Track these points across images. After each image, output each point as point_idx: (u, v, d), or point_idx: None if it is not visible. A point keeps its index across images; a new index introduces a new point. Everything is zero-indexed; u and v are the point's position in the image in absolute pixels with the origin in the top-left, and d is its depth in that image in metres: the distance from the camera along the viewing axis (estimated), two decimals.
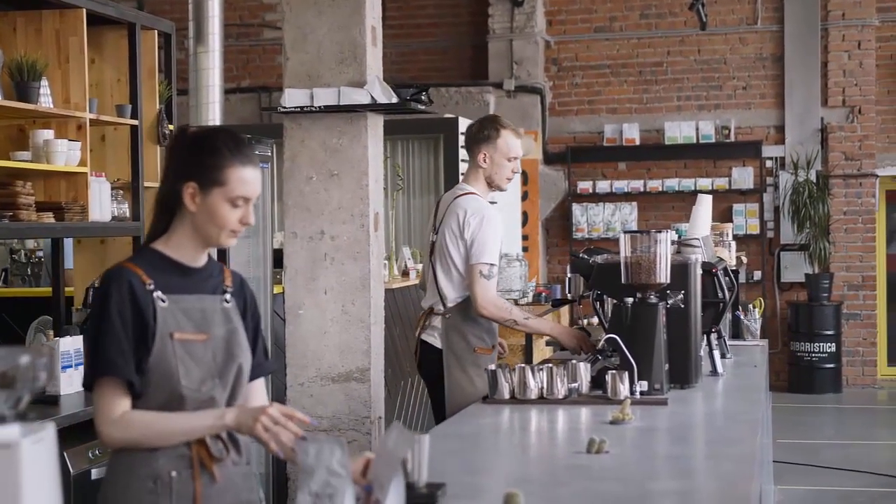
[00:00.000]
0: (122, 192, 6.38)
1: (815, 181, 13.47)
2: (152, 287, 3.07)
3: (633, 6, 14.15)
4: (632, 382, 4.54)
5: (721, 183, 13.73)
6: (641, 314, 4.71)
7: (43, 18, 5.98)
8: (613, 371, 4.56)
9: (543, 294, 10.93)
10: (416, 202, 11.62)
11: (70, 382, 5.30)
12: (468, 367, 5.40)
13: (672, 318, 4.82)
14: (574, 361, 4.74)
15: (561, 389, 4.55)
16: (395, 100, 5.80)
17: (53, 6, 5.93)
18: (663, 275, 4.73)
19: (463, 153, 11.07)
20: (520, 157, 5.55)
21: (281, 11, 6.02)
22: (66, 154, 5.82)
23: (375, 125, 5.98)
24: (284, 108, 5.85)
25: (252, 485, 3.23)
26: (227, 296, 3.22)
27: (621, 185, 13.99)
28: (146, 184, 6.49)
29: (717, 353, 5.45)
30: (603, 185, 14.02)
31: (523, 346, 9.16)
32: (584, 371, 4.67)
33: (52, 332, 5.74)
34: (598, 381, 4.66)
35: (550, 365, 4.63)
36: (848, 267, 13.71)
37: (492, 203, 5.70)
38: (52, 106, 5.83)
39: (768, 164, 13.87)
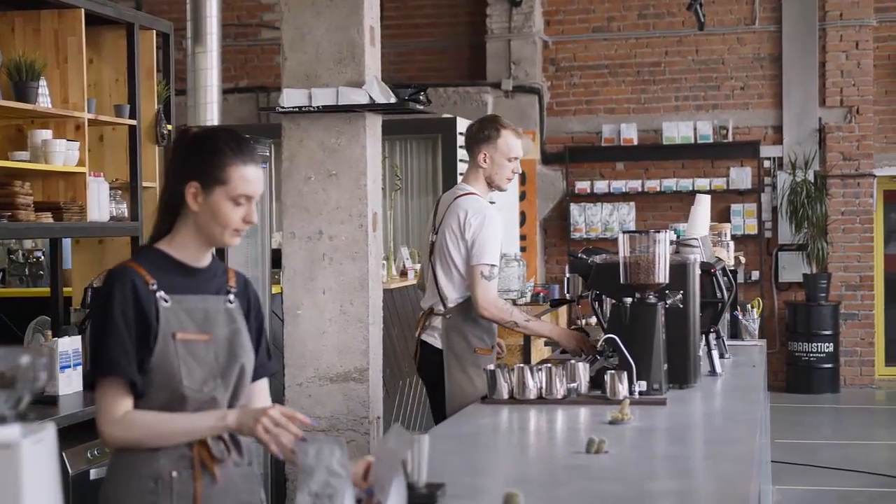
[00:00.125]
0: (120, 192, 6.37)
1: (812, 181, 13.48)
2: (155, 287, 3.08)
3: (630, 6, 14.15)
4: (630, 382, 4.55)
5: (719, 183, 13.73)
6: (640, 314, 4.71)
7: (41, 18, 5.97)
8: (612, 371, 4.56)
9: (541, 294, 10.93)
10: (414, 202, 11.62)
11: (68, 383, 5.30)
12: (468, 367, 5.40)
13: (671, 318, 4.82)
14: (573, 361, 4.74)
15: (560, 389, 4.55)
16: (393, 100, 5.80)
17: (52, 6, 5.93)
18: (662, 275, 4.73)
19: (461, 153, 11.07)
20: (520, 157, 5.54)
21: (279, 11, 6.02)
22: (64, 154, 5.82)
23: (374, 125, 5.98)
24: (283, 108, 5.85)
25: (253, 486, 3.23)
26: (231, 296, 3.22)
27: (619, 185, 13.99)
28: (144, 184, 6.49)
29: (715, 354, 5.45)
30: (601, 185, 14.02)
31: (521, 346, 9.17)
32: (583, 371, 4.67)
33: (50, 333, 5.73)
34: (596, 382, 4.66)
35: (549, 365, 4.63)
36: (846, 267, 13.72)
37: (490, 203, 5.69)
38: (50, 106, 5.83)
39: (766, 164, 13.87)
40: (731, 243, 7.80)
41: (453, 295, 5.45)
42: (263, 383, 3.35)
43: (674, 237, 5.39)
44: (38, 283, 8.69)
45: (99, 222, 6.08)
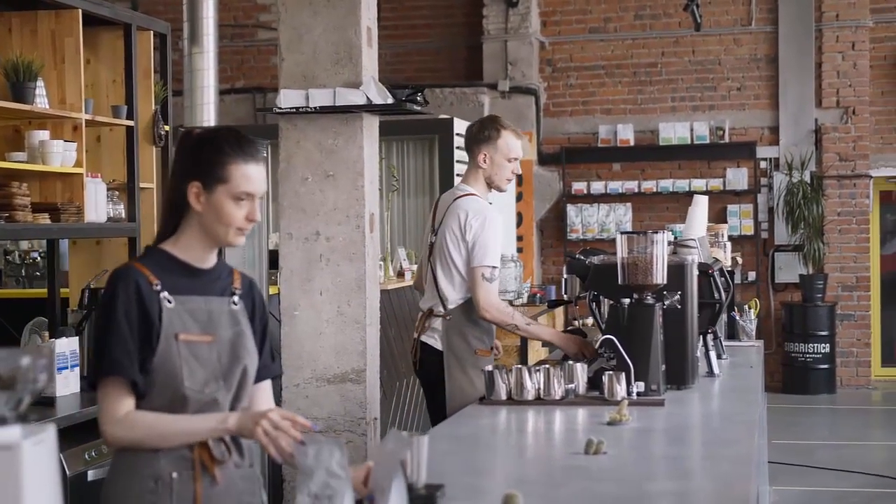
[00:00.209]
0: (117, 193, 6.37)
1: (809, 182, 13.49)
2: (159, 287, 3.08)
3: (627, 7, 14.16)
4: (628, 383, 4.54)
5: (715, 184, 13.74)
6: (638, 315, 4.71)
7: (39, 19, 5.97)
8: (610, 372, 4.56)
9: (538, 295, 10.93)
10: (411, 203, 11.61)
11: (66, 384, 5.29)
12: (469, 368, 5.38)
13: (668, 319, 4.82)
14: (570, 362, 4.74)
15: (558, 390, 4.55)
16: (390, 101, 5.80)
17: (49, 7, 5.93)
18: (660, 276, 4.73)
19: (458, 154, 11.07)
20: (520, 157, 5.53)
21: (275, 12, 6.03)
22: (61, 155, 5.81)
23: (371, 126, 5.98)
24: (280, 108, 5.84)
25: (254, 488, 3.23)
26: (236, 298, 3.22)
27: (616, 185, 13.99)
28: (142, 185, 6.49)
29: (713, 354, 5.45)
30: (597, 186, 14.02)
31: (518, 347, 9.16)
32: (581, 372, 4.67)
33: (47, 334, 5.73)
34: (594, 382, 4.66)
35: (547, 366, 4.63)
36: (842, 268, 13.73)
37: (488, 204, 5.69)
38: (47, 107, 5.82)
39: (762, 164, 13.88)
40: (729, 244, 7.82)
41: (453, 296, 5.44)
42: (267, 385, 3.35)
43: (671, 238, 5.38)
44: (35, 284, 8.69)
45: (96, 223, 6.08)
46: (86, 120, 6.03)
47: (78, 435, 4.83)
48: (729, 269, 6.69)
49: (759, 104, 13.94)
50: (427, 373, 5.54)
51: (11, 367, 1.96)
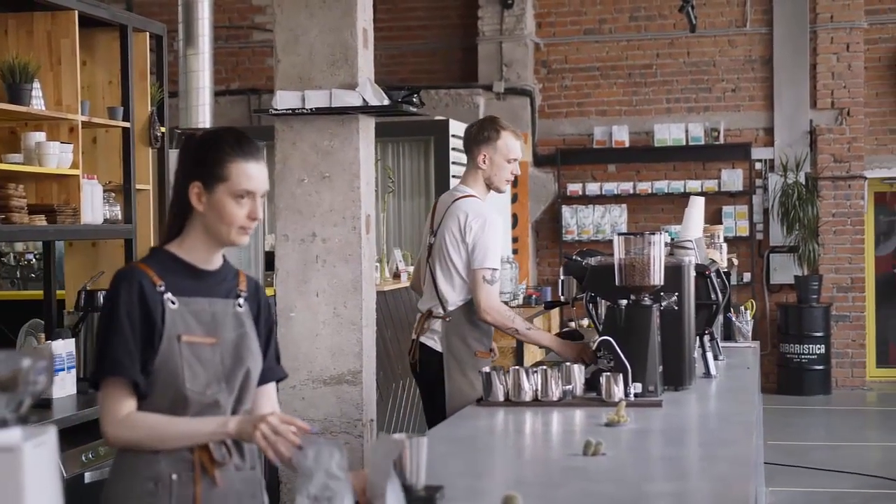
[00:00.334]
0: (113, 194, 6.36)
1: (804, 183, 13.50)
2: (163, 288, 3.08)
3: (622, 8, 14.16)
4: (626, 385, 4.54)
5: (710, 185, 13.75)
6: (635, 316, 4.71)
7: (35, 20, 5.96)
8: (608, 373, 4.56)
9: (534, 296, 10.93)
10: (406, 204, 11.61)
11: (62, 386, 5.28)
12: (468, 370, 5.37)
13: (666, 321, 4.82)
14: (568, 364, 4.73)
15: (555, 392, 4.54)
16: (386, 102, 5.80)
17: (45, 8, 5.92)
18: (657, 277, 4.73)
19: (454, 155, 11.07)
20: (519, 158, 5.52)
21: (270, 14, 6.01)
22: (58, 156, 5.80)
23: (367, 127, 5.98)
24: (276, 110, 5.84)
25: (255, 490, 3.22)
26: (241, 300, 3.22)
27: (611, 187, 14.00)
28: (138, 186, 6.48)
29: (710, 355, 5.45)
30: (592, 188, 14.03)
31: (514, 348, 9.16)
32: (579, 373, 4.66)
33: (43, 336, 5.72)
34: (592, 384, 4.65)
35: (545, 367, 4.63)
36: (837, 269, 13.74)
37: None
38: (43, 108, 5.82)
39: (757, 166, 13.89)
40: (724, 245, 7.81)
41: (453, 298, 5.43)
42: (271, 388, 3.35)
43: (668, 239, 5.38)
44: (30, 286, 8.68)
45: (92, 225, 6.07)
46: (82, 121, 6.02)
47: (75, 437, 4.82)
48: (725, 270, 6.69)
49: (754, 105, 13.95)
50: (426, 374, 5.52)
51: (12, 369, 1.95)
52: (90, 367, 5.55)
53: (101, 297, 5.69)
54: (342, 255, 5.85)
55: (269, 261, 6.72)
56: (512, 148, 5.47)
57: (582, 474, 3.44)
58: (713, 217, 13.29)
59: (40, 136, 5.81)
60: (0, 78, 5.66)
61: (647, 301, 4.74)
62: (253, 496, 3.21)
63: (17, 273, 8.91)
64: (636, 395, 4.56)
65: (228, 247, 3.19)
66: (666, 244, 5.01)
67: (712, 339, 5.65)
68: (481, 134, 5.50)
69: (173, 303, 3.08)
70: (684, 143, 13.89)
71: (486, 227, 5.37)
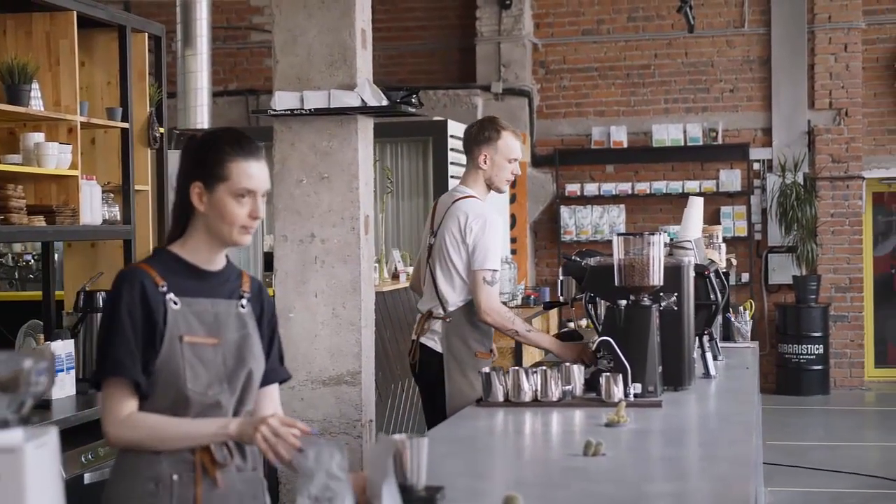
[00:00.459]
0: (112, 195, 6.36)
1: (802, 183, 13.50)
2: (165, 289, 3.08)
3: (620, 9, 14.16)
4: (626, 385, 4.54)
5: (709, 185, 13.76)
6: (635, 316, 4.71)
7: (33, 21, 5.96)
8: (607, 374, 4.56)
9: (532, 297, 10.93)
10: (405, 205, 11.61)
11: (61, 387, 5.27)
12: (469, 371, 5.35)
13: (665, 321, 4.82)
14: (568, 364, 4.73)
15: (555, 392, 4.54)
16: (385, 102, 5.80)
17: (44, 9, 5.91)
18: (657, 277, 4.73)
19: (452, 156, 11.07)
20: (519, 158, 5.51)
21: (269, 14, 6.02)
22: (56, 157, 5.80)
23: (365, 128, 5.98)
24: (274, 110, 5.84)
25: (257, 491, 3.22)
26: (244, 301, 3.22)
27: (609, 187, 14.00)
28: (137, 187, 6.47)
29: (709, 356, 5.45)
30: (591, 188, 14.03)
31: (513, 349, 9.16)
32: (578, 374, 4.66)
33: (42, 337, 5.72)
34: (591, 384, 4.65)
35: (544, 367, 4.62)
36: (835, 269, 13.75)
37: None
38: (42, 109, 5.81)
39: (756, 166, 13.89)
40: (723, 245, 7.82)
41: (454, 298, 5.41)
42: (273, 389, 3.36)
43: (667, 240, 5.38)
44: (28, 287, 8.68)
45: (91, 226, 6.06)
46: (81, 122, 6.02)
47: (74, 438, 4.81)
48: (724, 270, 6.69)
49: (752, 106, 13.95)
50: (426, 375, 5.51)
51: (13, 370, 1.95)
52: (90, 367, 5.55)
53: (100, 297, 5.70)
54: (341, 255, 5.85)
55: (268, 261, 6.71)
56: (512, 148, 5.46)
57: (582, 475, 3.44)
58: (711, 217, 13.29)
59: (39, 137, 5.81)
60: None
61: (646, 301, 4.74)
62: (254, 497, 3.21)
63: (16, 274, 8.90)
64: (636, 396, 4.56)
65: (231, 247, 3.19)
66: (665, 244, 5.01)
67: (711, 339, 5.65)
68: (482, 134, 5.49)
69: (175, 303, 3.08)
70: (682, 143, 13.89)
71: (486, 227, 5.36)
